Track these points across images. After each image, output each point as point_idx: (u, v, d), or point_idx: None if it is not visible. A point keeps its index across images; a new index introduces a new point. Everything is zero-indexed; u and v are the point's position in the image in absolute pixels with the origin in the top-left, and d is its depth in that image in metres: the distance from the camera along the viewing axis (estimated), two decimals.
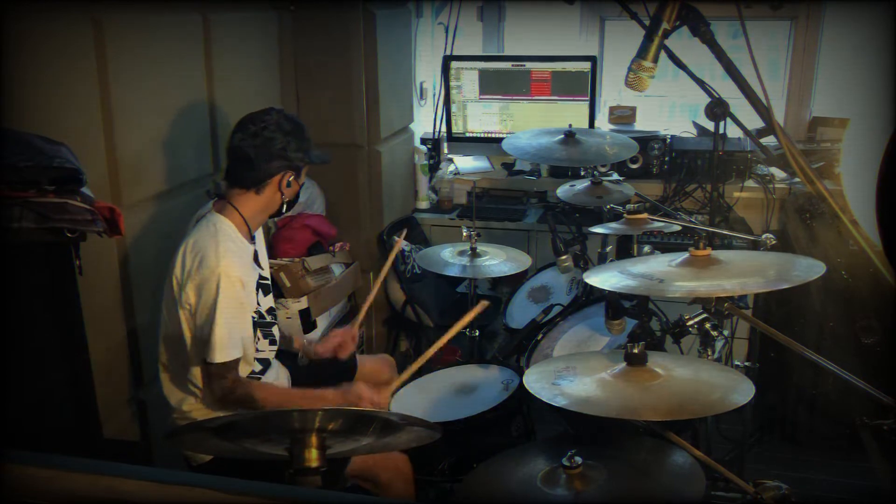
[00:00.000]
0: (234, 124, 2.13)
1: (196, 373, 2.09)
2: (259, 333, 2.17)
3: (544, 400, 1.55)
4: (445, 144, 4.01)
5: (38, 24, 1.98)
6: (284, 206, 2.21)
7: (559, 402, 1.53)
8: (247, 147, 2.08)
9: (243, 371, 2.13)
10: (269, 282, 2.29)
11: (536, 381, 1.63)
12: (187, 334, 2.05)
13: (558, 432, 2.32)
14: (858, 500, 2.94)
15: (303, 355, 2.48)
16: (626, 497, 1.60)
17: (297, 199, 2.26)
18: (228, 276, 1.99)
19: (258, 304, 2.18)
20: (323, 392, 2.15)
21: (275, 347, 2.28)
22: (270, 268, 2.41)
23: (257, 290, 2.18)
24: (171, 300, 2.07)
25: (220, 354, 2.00)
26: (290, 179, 2.14)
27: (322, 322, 3.20)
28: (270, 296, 2.29)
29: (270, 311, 2.27)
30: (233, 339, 2.01)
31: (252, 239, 2.18)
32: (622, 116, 3.97)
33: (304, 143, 2.15)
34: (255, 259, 2.20)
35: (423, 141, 4.02)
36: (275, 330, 2.27)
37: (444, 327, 2.77)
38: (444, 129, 3.97)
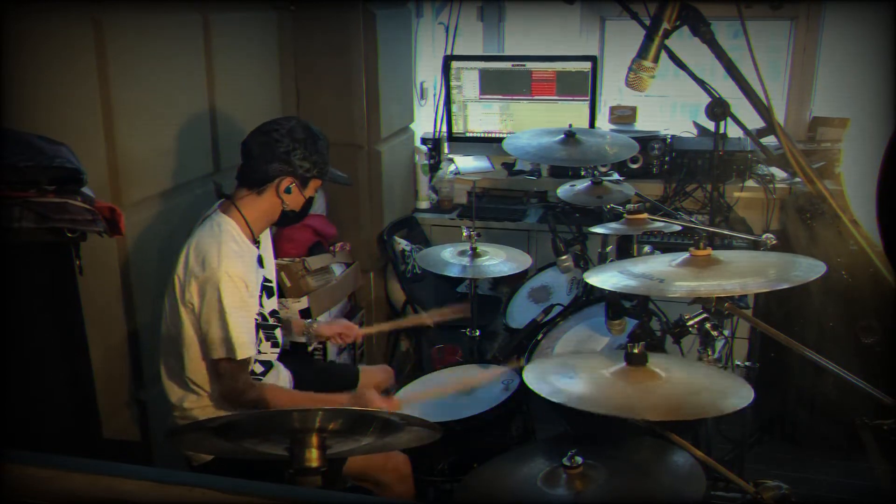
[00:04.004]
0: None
1: (196, 371, 2.09)
2: (261, 335, 2.17)
3: (543, 396, 1.55)
4: (446, 144, 4.01)
5: (38, 24, 1.98)
6: (286, 215, 2.16)
7: (558, 397, 1.53)
8: (253, 145, 2.10)
9: None
10: (272, 284, 2.28)
11: (536, 379, 1.63)
12: (188, 333, 2.05)
13: (558, 432, 2.32)
14: (858, 500, 2.94)
15: (309, 335, 2.48)
16: (626, 497, 1.60)
17: (304, 212, 2.22)
18: (231, 277, 1.99)
19: (261, 306, 2.17)
20: (332, 396, 2.16)
21: (277, 350, 2.27)
22: None
23: (261, 292, 2.18)
24: (173, 298, 2.07)
25: (241, 351, 2.01)
26: (291, 186, 2.11)
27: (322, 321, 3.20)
28: (274, 298, 2.29)
29: (273, 313, 2.27)
30: (249, 336, 2.03)
31: (256, 242, 2.18)
32: (623, 116, 3.97)
33: (315, 155, 2.11)
34: (260, 262, 2.19)
35: (424, 141, 4.02)
36: (277, 333, 2.26)
37: (443, 327, 2.77)
38: (444, 128, 3.97)
